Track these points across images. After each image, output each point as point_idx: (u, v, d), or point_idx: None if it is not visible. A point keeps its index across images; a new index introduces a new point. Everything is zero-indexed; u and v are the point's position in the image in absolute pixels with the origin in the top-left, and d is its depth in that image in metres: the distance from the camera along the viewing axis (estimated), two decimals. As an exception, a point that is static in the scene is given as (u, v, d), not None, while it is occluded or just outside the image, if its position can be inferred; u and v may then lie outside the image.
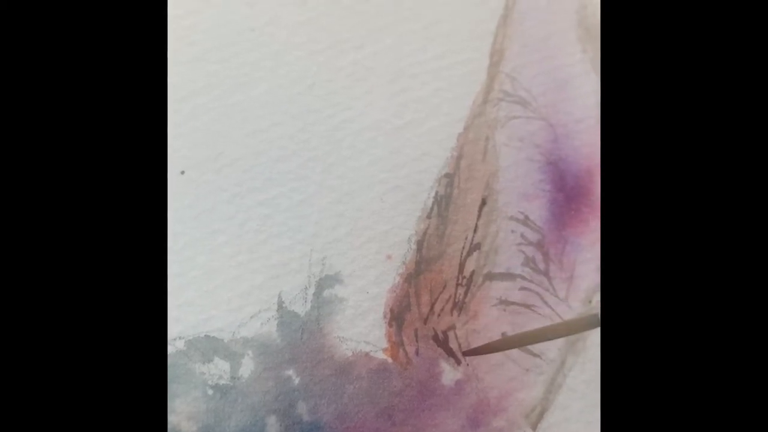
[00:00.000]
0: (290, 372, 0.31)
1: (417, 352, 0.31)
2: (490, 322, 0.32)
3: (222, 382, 0.31)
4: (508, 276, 0.32)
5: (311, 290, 0.32)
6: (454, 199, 0.33)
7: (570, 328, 0.29)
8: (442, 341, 0.31)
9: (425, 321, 0.32)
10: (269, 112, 0.34)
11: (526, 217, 0.33)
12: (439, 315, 0.32)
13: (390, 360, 0.31)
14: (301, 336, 0.31)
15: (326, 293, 0.32)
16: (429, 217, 0.33)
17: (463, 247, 0.32)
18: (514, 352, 0.31)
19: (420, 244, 0.32)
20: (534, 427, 0.31)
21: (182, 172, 0.33)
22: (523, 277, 0.32)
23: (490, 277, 0.32)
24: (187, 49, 0.34)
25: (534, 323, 0.32)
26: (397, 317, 0.31)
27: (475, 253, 0.32)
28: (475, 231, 0.33)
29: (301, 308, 0.32)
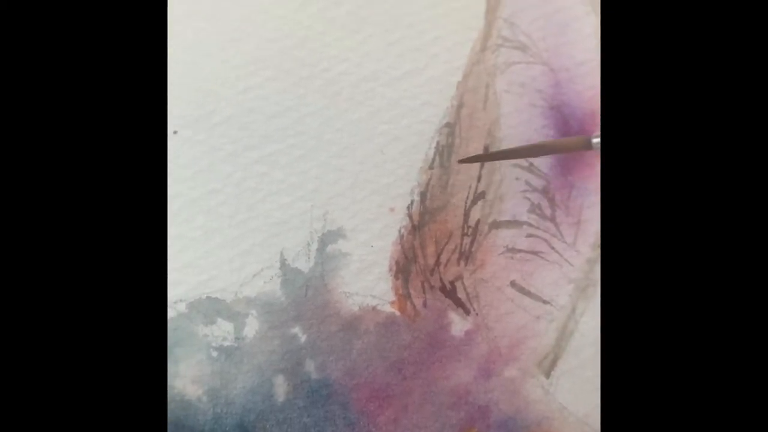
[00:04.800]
0: (296, 330, 0.30)
1: (425, 304, 0.31)
2: (497, 270, 0.31)
3: (226, 343, 0.30)
4: (515, 224, 0.31)
5: (314, 246, 0.31)
6: (456, 148, 0.32)
7: (564, 146, 0.30)
8: (449, 292, 0.31)
9: (432, 272, 0.31)
10: (261, 67, 0.33)
11: (531, 164, 0.32)
12: (445, 266, 0.31)
13: (398, 313, 0.30)
14: (306, 293, 0.30)
15: (329, 249, 0.31)
16: (431, 167, 0.32)
17: (467, 197, 0.32)
18: (524, 300, 0.31)
19: (423, 196, 0.32)
20: (547, 374, 0.30)
21: (175, 132, 0.32)
22: (530, 224, 0.32)
23: (496, 225, 0.31)
24: (174, 7, 0.32)
25: (542, 270, 0.31)
26: (403, 270, 0.31)
27: (479, 202, 0.32)
28: (478, 180, 0.32)
29: (304, 265, 0.31)
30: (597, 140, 0.29)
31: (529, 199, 0.32)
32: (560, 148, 0.31)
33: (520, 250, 0.31)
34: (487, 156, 0.31)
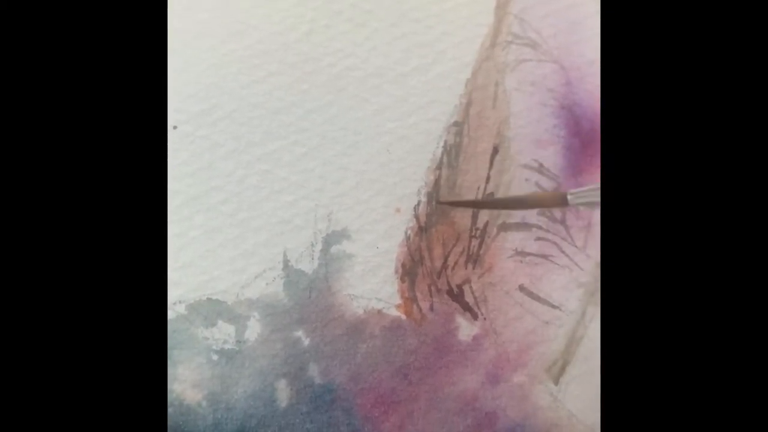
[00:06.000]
0: (299, 333, 0.29)
1: (431, 308, 0.30)
2: (506, 274, 0.30)
3: (227, 346, 0.29)
4: (524, 226, 0.31)
5: (318, 247, 0.30)
6: (465, 148, 0.31)
7: (540, 201, 0.29)
8: (457, 295, 0.30)
9: (439, 275, 0.30)
10: (264, 61, 0.32)
11: (541, 165, 0.31)
12: (453, 268, 0.30)
13: (404, 317, 0.30)
14: (309, 295, 0.30)
15: (334, 249, 0.30)
16: (439, 167, 0.31)
17: (476, 198, 0.31)
18: (533, 305, 0.30)
19: (430, 196, 0.31)
20: (556, 380, 0.30)
21: (174, 127, 0.31)
22: (540, 227, 0.31)
23: (505, 227, 0.31)
24: (174, -5, 0.31)
25: (552, 274, 0.30)
26: (409, 272, 0.30)
27: (488, 204, 0.31)
28: (487, 181, 0.31)
29: (308, 266, 0.30)
30: (572, 197, 0.27)
31: (538, 200, 0.31)
32: (536, 203, 0.30)
33: (529, 254, 0.30)
34: (465, 203, 0.30)
